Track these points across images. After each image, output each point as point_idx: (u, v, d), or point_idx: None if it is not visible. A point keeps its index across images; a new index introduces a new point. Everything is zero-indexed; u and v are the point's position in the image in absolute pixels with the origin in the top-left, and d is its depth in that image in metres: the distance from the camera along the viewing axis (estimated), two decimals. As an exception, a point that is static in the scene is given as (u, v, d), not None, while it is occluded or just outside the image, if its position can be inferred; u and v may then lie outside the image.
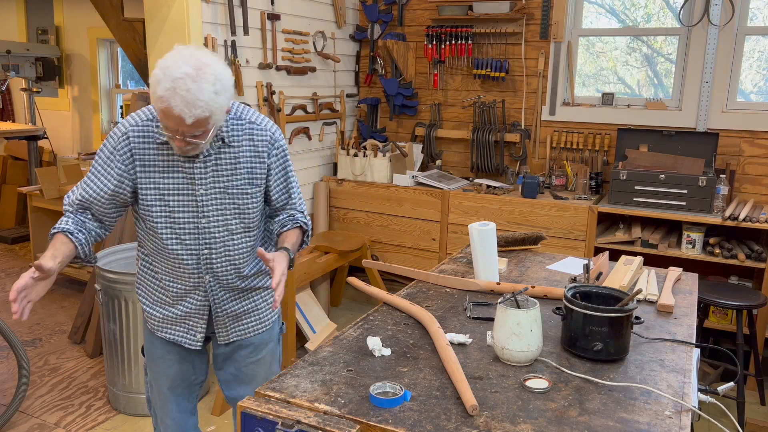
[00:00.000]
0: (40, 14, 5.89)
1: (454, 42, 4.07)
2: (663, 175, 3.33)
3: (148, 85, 3.20)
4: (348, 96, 4.40)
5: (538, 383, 1.39)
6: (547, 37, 3.90)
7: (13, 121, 6.06)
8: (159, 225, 1.73)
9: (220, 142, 1.71)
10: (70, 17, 5.77)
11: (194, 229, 1.74)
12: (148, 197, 1.72)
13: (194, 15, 2.96)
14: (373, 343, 1.56)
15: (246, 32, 3.35)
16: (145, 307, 1.88)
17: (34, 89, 5.48)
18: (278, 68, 3.64)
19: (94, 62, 5.72)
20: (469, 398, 1.28)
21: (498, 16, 3.93)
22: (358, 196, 4.07)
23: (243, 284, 1.86)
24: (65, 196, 1.76)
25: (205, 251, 1.76)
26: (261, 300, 1.93)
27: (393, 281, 4.08)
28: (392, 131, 4.52)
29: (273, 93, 3.62)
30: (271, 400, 1.33)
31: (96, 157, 1.73)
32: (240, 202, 1.76)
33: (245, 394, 1.92)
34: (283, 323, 2.07)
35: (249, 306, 1.90)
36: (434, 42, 4.12)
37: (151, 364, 1.93)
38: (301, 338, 3.44)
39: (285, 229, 1.83)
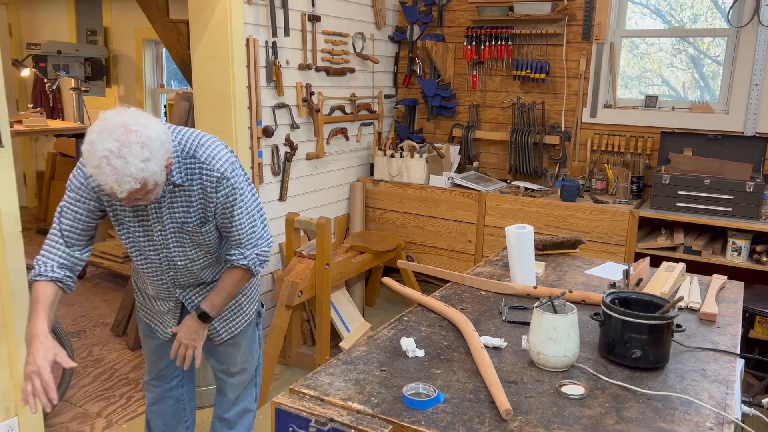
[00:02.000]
0: (89, 16, 6.08)
1: (493, 43, 4.04)
2: (708, 180, 3.23)
3: (191, 85, 3.27)
4: (386, 97, 4.41)
5: (574, 389, 1.37)
6: (590, 38, 3.83)
7: (63, 119, 6.27)
8: (131, 251, 1.88)
9: (172, 186, 1.74)
10: (117, 19, 5.94)
11: (158, 258, 1.87)
12: (116, 227, 1.85)
13: (237, 16, 3.01)
14: (407, 343, 1.56)
15: (287, 33, 3.39)
16: (136, 289, 2.07)
17: (83, 88, 5.66)
18: (318, 69, 3.68)
19: (140, 62, 5.88)
20: (503, 402, 1.27)
21: (539, 17, 3.88)
22: (394, 196, 4.08)
23: (209, 289, 1.97)
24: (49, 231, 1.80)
25: (171, 273, 1.90)
26: (235, 305, 2.04)
27: (428, 283, 4.07)
28: (429, 132, 4.51)
29: (312, 94, 3.65)
30: (305, 397, 1.35)
31: (68, 191, 1.76)
32: (196, 237, 1.83)
33: (226, 377, 2.13)
34: (262, 304, 2.19)
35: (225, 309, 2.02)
36: (474, 43, 4.10)
37: (141, 338, 2.14)
38: (336, 337, 3.46)
39: (227, 265, 1.90)
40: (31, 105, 6.05)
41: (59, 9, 6.18)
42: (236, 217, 1.81)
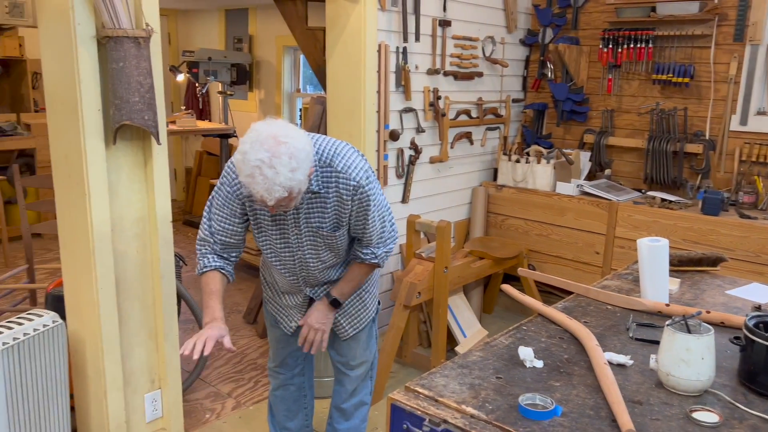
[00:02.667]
0: (237, 25, 6.55)
1: (632, 45, 3.83)
2: None
3: (325, 89, 3.42)
4: (514, 101, 4.34)
5: (706, 416, 1.28)
6: (742, 39, 3.52)
7: (210, 120, 6.82)
8: (266, 251, 2.01)
9: (310, 194, 1.84)
10: (261, 27, 6.35)
11: (293, 259, 1.98)
12: (256, 232, 1.98)
13: (371, 23, 3.12)
14: (525, 353, 1.53)
15: (417, 39, 3.45)
16: (264, 283, 2.21)
17: (228, 92, 6.12)
18: (446, 74, 3.70)
19: (279, 68, 6.24)
20: (626, 422, 1.22)
21: (685, 18, 3.63)
22: (517, 202, 4.00)
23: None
24: (199, 230, 1.99)
25: (303, 274, 2.02)
26: (357, 300, 2.13)
27: (549, 293, 3.95)
28: (558, 138, 4.37)
29: (439, 98, 3.68)
30: (420, 396, 1.37)
31: (216, 196, 1.93)
32: (329, 242, 1.94)
33: (346, 369, 2.23)
34: (379, 301, 2.26)
35: (348, 307, 2.12)
36: (610, 45, 3.91)
37: (267, 319, 2.27)
38: (451, 340, 3.46)
39: (356, 261, 2.02)
40: (184, 107, 6.64)
41: (212, 18, 6.73)
42: (369, 221, 1.91)
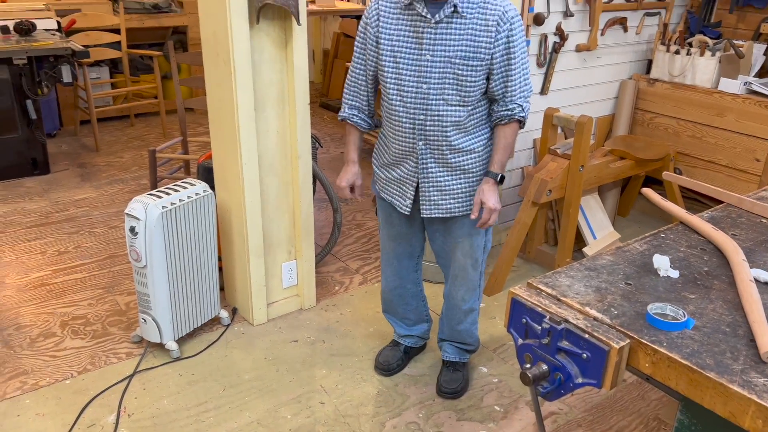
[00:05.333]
0: None
1: None
2: None
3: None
4: (681, -18, 3.83)
5: None
6: None
7: (348, 0, 6.73)
8: (389, 86, 1.97)
9: (452, 9, 1.82)
10: None
11: (415, 93, 1.93)
12: (385, 57, 1.95)
13: None
14: (661, 261, 1.45)
15: None
16: (375, 168, 2.22)
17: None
18: (604, -51, 3.32)
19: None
20: (766, 343, 1.14)
21: None
22: (670, 99, 3.64)
23: (452, 159, 2.01)
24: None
25: (421, 116, 1.95)
26: (467, 183, 2.05)
27: (695, 201, 3.66)
28: (729, 27, 3.83)
29: (593, -22, 3.33)
30: (542, 293, 1.37)
31: (357, 35, 2.04)
32: (460, 72, 1.87)
33: (446, 264, 2.25)
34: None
35: (452, 184, 2.05)
36: None
37: (381, 221, 2.30)
38: (579, 241, 3.37)
39: (501, 123, 1.97)
40: (323, -14, 6.58)
41: None
42: (513, 64, 1.89)
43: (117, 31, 5.00)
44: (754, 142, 3.32)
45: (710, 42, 3.55)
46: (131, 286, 2.98)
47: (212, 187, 2.61)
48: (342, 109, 2.14)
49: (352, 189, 2.20)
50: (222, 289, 2.84)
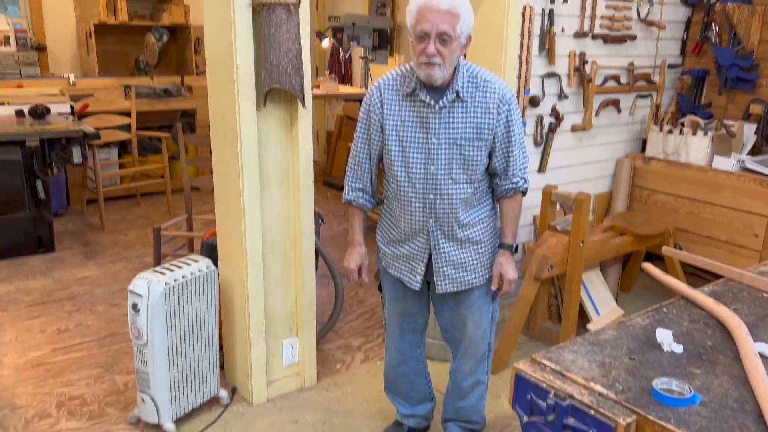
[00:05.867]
0: (380, -11, 6.60)
1: (819, 2, 3.36)
2: None
3: (464, 55, 3.37)
4: (670, 66, 3.99)
5: None
6: None
7: (351, 84, 7.00)
8: (396, 168, 2.01)
9: (455, 95, 1.90)
10: (403, -9, 6.36)
11: (423, 175, 1.98)
12: (390, 141, 2.00)
13: (515, -16, 3.01)
14: (664, 335, 1.45)
15: (565, 0, 3.27)
16: (380, 245, 2.22)
17: (370, 57, 6.23)
18: (594, 37, 3.49)
19: (419, 32, 6.22)
20: (775, 420, 1.12)
21: None
22: (666, 177, 3.72)
23: (461, 234, 2.04)
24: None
25: (431, 196, 1.99)
26: (476, 255, 2.08)
27: (696, 276, 3.66)
28: (719, 107, 3.97)
29: (585, 62, 3.49)
30: (546, 369, 1.36)
31: (359, 119, 2.08)
32: (466, 154, 1.94)
33: (454, 339, 2.23)
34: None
35: (464, 258, 2.07)
36: (791, 3, 3.46)
37: (386, 297, 2.28)
38: (583, 317, 3.34)
39: (507, 196, 2.06)
40: (327, 71, 6.87)
41: (357, -17, 6.84)
42: (513, 141, 1.97)
43: (128, 114, 5.18)
44: (751, 218, 3.36)
45: (702, 122, 3.67)
46: (130, 364, 2.94)
47: (215, 264, 2.63)
48: (345, 192, 2.17)
49: (359, 270, 2.22)
50: (222, 367, 2.80)
